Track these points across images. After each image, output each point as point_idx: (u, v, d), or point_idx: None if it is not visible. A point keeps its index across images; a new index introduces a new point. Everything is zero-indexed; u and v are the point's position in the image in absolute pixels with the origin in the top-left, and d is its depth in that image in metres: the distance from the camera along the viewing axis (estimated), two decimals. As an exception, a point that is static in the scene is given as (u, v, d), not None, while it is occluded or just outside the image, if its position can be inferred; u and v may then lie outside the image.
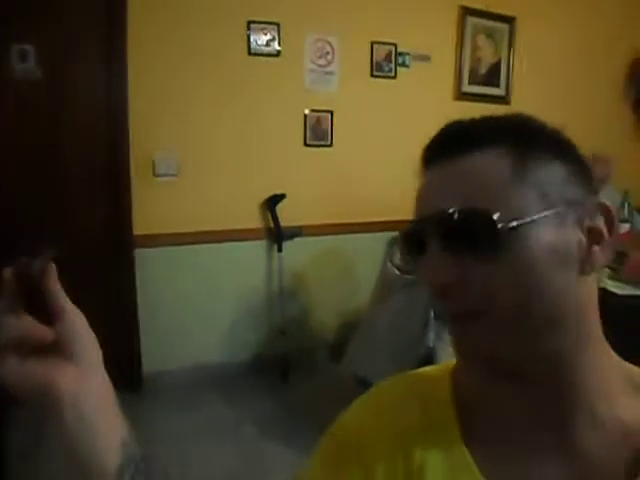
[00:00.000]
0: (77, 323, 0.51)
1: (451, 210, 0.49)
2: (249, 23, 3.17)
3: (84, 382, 0.50)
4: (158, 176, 3.08)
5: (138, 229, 3.05)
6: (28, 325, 0.49)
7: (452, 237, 0.50)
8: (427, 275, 0.50)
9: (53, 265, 0.51)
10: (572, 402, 0.53)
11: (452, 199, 0.50)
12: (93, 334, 0.53)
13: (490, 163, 0.51)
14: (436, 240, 0.51)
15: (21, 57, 2.76)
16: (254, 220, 3.37)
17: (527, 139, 0.53)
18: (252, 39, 3.19)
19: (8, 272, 0.49)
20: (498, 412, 0.56)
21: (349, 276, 3.64)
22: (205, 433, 2.72)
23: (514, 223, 0.48)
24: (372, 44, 3.50)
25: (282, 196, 3.31)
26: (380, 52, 3.54)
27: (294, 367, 3.36)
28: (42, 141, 2.88)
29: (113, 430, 0.50)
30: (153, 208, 3.09)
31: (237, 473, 2.43)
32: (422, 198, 0.55)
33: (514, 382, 0.53)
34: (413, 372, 0.68)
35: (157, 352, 3.18)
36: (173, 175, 3.11)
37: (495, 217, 0.48)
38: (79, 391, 0.49)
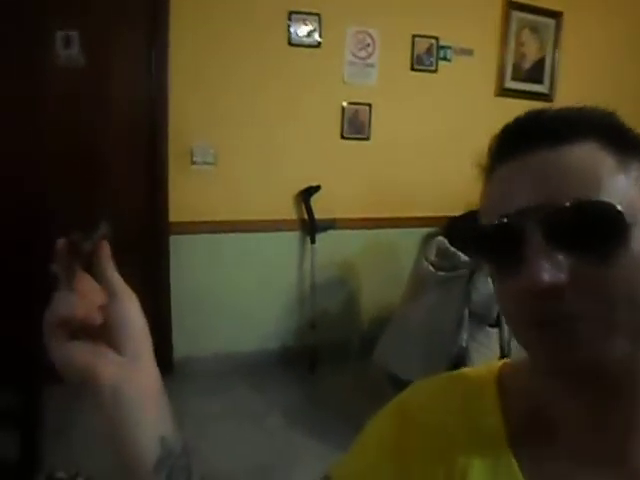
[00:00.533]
0: (128, 308, 0.50)
1: (568, 203, 0.45)
2: (290, 13, 3.16)
3: (127, 372, 0.48)
4: (195, 164, 3.11)
5: (174, 216, 3.08)
6: (78, 304, 0.47)
7: (562, 232, 0.45)
8: (533, 275, 0.45)
9: (106, 243, 0.49)
10: (636, 419, 0.50)
11: (558, 191, 0.46)
12: (144, 320, 0.51)
13: (592, 155, 0.47)
14: (540, 236, 0.46)
15: (65, 44, 2.80)
16: (288, 211, 3.37)
17: (620, 134, 0.50)
18: (292, 29, 3.18)
19: (61, 244, 0.47)
20: (552, 423, 0.54)
21: (382, 271, 3.61)
22: (232, 420, 2.75)
23: (636, 218, 0.45)
24: (413, 37, 3.45)
25: (317, 188, 3.30)
26: (421, 45, 3.48)
27: (323, 360, 3.36)
28: (83, 127, 2.93)
29: (154, 423, 0.49)
30: (189, 196, 3.12)
31: (262, 460, 2.44)
32: (512, 189, 0.49)
33: (586, 394, 0.50)
34: (456, 373, 0.65)
35: (189, 337, 3.22)
36: (210, 164, 3.13)
37: (622, 210, 0.44)
38: (121, 381, 0.48)
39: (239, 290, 3.32)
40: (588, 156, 0.47)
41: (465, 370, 0.66)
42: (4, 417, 1.78)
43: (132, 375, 0.48)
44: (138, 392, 0.48)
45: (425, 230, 3.65)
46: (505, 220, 0.48)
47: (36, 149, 2.84)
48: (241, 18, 3.06)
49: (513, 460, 0.53)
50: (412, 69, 3.49)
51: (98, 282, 0.49)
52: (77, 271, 0.48)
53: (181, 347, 3.21)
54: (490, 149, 0.54)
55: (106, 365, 0.47)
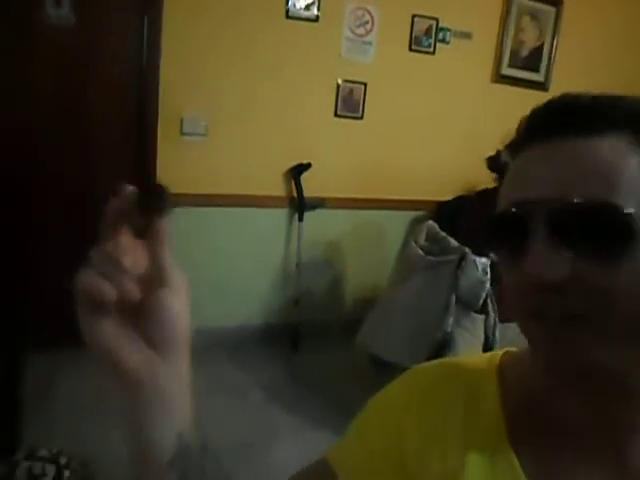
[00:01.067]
0: (174, 302, 0.45)
1: (577, 200, 0.44)
2: (289, -15, 3.08)
3: (152, 367, 0.43)
4: (185, 135, 3.05)
5: (161, 187, 3.02)
6: (118, 275, 0.41)
7: (569, 229, 0.44)
8: (534, 268, 0.44)
9: (164, 223, 0.43)
10: (635, 418, 0.50)
11: (572, 186, 0.44)
12: (188, 318, 0.46)
13: (616, 152, 0.45)
14: (546, 229, 0.45)
15: (56, 2, 2.71)
16: (278, 187, 3.33)
17: None
18: (291, 2, 3.11)
19: (111, 208, 0.41)
20: (554, 419, 0.53)
21: (369, 252, 3.60)
22: (213, 395, 2.74)
23: None
24: (413, 17, 3.40)
25: (308, 165, 3.26)
26: (420, 26, 3.43)
27: (306, 338, 3.37)
28: (71, 88, 2.86)
29: (172, 420, 0.45)
30: (178, 167, 3.06)
31: (243, 435, 2.44)
32: (527, 177, 0.48)
33: (586, 392, 0.50)
34: (455, 360, 0.64)
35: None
36: (201, 135, 3.07)
37: (632, 214, 0.43)
38: (144, 374, 0.43)
39: (224, 265, 3.29)
40: (610, 153, 0.45)
41: (465, 358, 0.65)
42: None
43: (157, 371, 0.44)
44: (160, 389, 0.44)
45: (413, 213, 3.65)
46: (514, 210, 0.47)
47: (23, 108, 2.76)
48: (238, -14, 2.98)
49: (512, 454, 0.52)
50: (410, 49, 3.44)
51: (150, 264, 0.44)
52: (124, 239, 0.42)
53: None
54: (518, 130, 0.52)
55: (132, 353, 0.43)
